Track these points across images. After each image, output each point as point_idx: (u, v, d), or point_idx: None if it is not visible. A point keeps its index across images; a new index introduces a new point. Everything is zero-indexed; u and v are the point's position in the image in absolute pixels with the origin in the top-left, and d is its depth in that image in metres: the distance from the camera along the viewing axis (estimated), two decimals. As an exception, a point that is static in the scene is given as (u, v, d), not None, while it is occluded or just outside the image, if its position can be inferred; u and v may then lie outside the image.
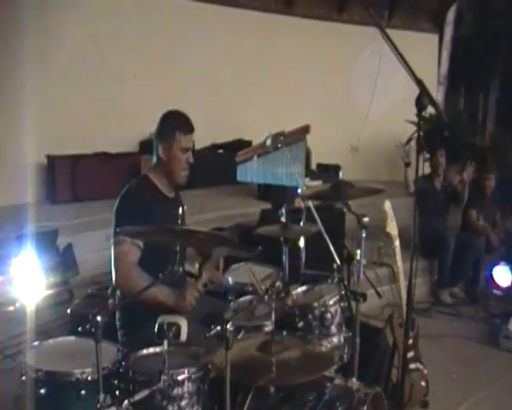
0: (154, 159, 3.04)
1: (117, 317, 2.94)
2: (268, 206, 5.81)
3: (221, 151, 8.23)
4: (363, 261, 3.04)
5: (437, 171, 6.31)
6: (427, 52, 11.11)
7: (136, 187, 3.00)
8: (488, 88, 16.04)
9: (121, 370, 2.24)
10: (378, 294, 4.11)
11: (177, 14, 8.18)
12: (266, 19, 9.11)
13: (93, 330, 1.98)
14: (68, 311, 3.80)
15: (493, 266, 5.88)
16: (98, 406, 1.98)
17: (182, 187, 3.11)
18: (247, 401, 2.43)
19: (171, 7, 8.15)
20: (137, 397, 2.07)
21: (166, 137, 2.95)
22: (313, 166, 8.49)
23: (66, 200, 6.76)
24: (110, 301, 3.08)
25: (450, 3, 12.09)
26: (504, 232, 6.43)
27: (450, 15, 13.10)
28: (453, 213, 6.38)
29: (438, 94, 12.39)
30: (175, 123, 2.97)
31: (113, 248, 2.83)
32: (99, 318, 1.97)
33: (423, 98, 2.36)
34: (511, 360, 4.67)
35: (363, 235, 3.02)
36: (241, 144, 7.62)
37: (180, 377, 2.17)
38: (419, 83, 2.37)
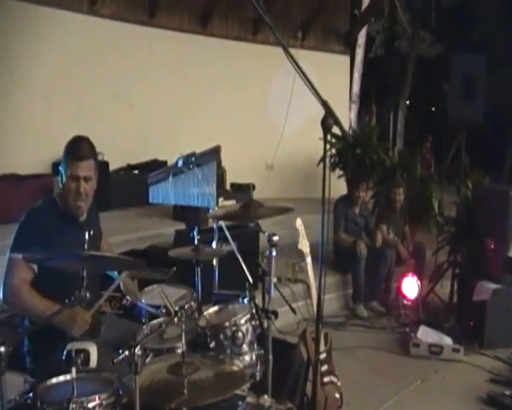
0: (60, 184, 3.00)
1: (25, 343, 2.87)
2: (183, 226, 5.82)
3: (136, 172, 8.16)
4: (274, 279, 3.11)
5: (357, 201, 6.54)
6: (340, 72, 11.47)
7: (39, 207, 2.95)
8: (397, 107, 16.81)
9: (29, 401, 2.17)
10: (292, 310, 4.19)
11: (91, 33, 8.08)
12: (182, 38, 9.16)
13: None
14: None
15: (403, 278, 6.10)
16: (4, 441, 1.94)
17: (76, 216, 3.02)
18: (160, 425, 2.43)
19: (85, 26, 8.05)
20: (45, 428, 2.03)
21: (62, 163, 2.92)
22: (228, 186, 8.57)
23: (-26, 223, 6.48)
24: (20, 329, 3.01)
25: (360, 27, 12.54)
26: (412, 245, 6.72)
27: (361, 38, 13.61)
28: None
29: (351, 112, 12.82)
30: (68, 149, 2.91)
31: (7, 263, 2.81)
32: (2, 348, 1.91)
33: (328, 119, 2.45)
34: (420, 367, 4.88)
35: (274, 253, 3.08)
36: (157, 165, 7.60)
37: (91, 405, 2.14)
38: (324, 104, 2.46)
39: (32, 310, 2.76)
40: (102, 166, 7.24)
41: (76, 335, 2.64)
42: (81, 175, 2.88)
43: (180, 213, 6.83)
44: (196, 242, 3.42)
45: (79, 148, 2.90)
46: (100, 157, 7.49)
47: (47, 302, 2.72)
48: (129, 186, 7.55)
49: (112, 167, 7.64)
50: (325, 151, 2.87)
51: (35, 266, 2.80)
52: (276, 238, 3.14)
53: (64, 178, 2.91)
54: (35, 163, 7.33)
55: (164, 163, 7.62)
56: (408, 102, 16.65)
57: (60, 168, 2.95)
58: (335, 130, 2.54)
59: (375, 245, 6.19)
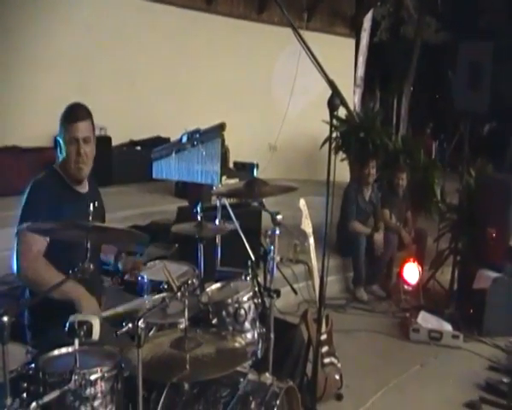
0: (60, 156, 2.98)
1: (25, 317, 2.86)
2: (185, 203, 5.80)
3: (139, 148, 8.11)
4: (277, 258, 3.08)
5: (367, 180, 6.41)
6: (345, 55, 11.39)
7: (43, 179, 2.93)
8: (401, 93, 16.71)
9: (31, 372, 2.15)
10: (294, 290, 4.19)
11: (95, 6, 7.99)
12: (186, 15, 9.05)
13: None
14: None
15: (404, 264, 6.09)
16: (5, 410, 1.92)
17: (80, 180, 3.00)
18: (162, 398, 2.42)
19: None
20: (47, 399, 2.00)
21: (60, 131, 2.91)
22: (231, 164, 8.51)
23: (-26, 195, 6.45)
24: (21, 300, 2.99)
25: (366, 11, 12.44)
26: (414, 231, 6.70)
27: (367, 22, 13.51)
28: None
29: (354, 96, 12.76)
30: (63, 115, 2.90)
31: (16, 239, 2.77)
32: (5, 318, 1.89)
33: (335, 99, 2.42)
34: (420, 352, 4.89)
35: (277, 232, 3.06)
36: (160, 141, 7.55)
37: (93, 377, 2.12)
38: (331, 84, 2.43)
39: (48, 283, 2.59)
40: (105, 141, 7.21)
41: (84, 311, 2.61)
42: (80, 136, 2.86)
43: (182, 190, 6.80)
44: (199, 218, 3.39)
45: (75, 110, 2.90)
46: (102, 132, 7.47)
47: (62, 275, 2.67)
48: (131, 162, 7.49)
49: (114, 143, 7.59)
50: (331, 131, 2.84)
51: (47, 237, 2.77)
52: (279, 217, 3.11)
53: (63, 145, 2.89)
54: (37, 136, 7.27)
55: (167, 140, 7.56)
56: (412, 89, 16.52)
57: (58, 138, 2.92)
58: (339, 113, 2.52)
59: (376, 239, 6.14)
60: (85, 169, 2.94)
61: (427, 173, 7.67)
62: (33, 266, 2.73)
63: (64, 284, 2.47)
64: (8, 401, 1.93)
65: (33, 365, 2.17)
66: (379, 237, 6.15)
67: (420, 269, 6.02)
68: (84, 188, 3.05)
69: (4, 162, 6.55)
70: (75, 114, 2.88)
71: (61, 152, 2.94)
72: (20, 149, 6.89)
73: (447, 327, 5.12)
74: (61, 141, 2.90)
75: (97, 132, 3.17)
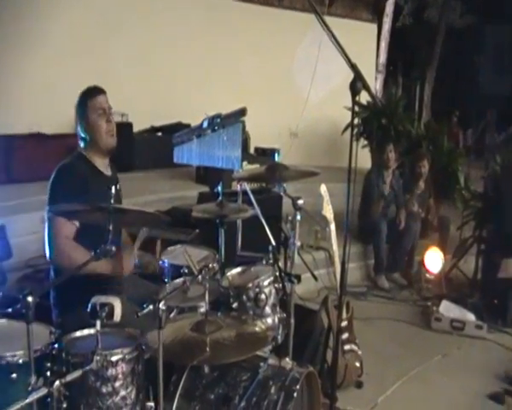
0: (81, 143, 3.04)
1: (51, 296, 2.91)
2: (206, 189, 5.80)
3: (160, 134, 8.13)
4: (298, 243, 3.07)
5: (387, 165, 6.37)
6: (366, 41, 11.27)
7: (71, 162, 2.99)
8: (424, 79, 16.49)
9: (54, 352, 2.18)
10: (314, 277, 4.16)
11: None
12: (207, 1, 9.01)
13: (24, 311, 1.94)
14: (0, 294, 3.69)
15: (426, 252, 6.02)
16: (29, 388, 1.94)
17: (113, 156, 3.10)
18: (182, 381, 2.44)
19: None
20: (69, 378, 2.02)
21: (81, 111, 2.97)
22: (251, 150, 8.48)
23: (0, 181, 6.52)
24: (46, 281, 3.03)
25: (388, -5, 12.27)
26: (437, 219, 6.61)
27: (389, 6, 13.30)
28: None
29: (376, 82, 12.61)
30: (82, 95, 3.00)
31: (47, 223, 2.82)
32: (30, 298, 1.93)
33: (357, 82, 2.40)
34: (441, 341, 4.84)
35: (298, 217, 3.04)
36: (180, 127, 7.54)
37: (114, 358, 2.15)
38: (353, 67, 2.40)
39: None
40: (126, 127, 7.25)
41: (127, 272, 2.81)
42: (106, 106, 2.97)
43: (203, 176, 6.81)
44: (221, 197, 3.39)
45: (92, 88, 3.03)
46: (124, 118, 7.50)
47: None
48: (152, 148, 7.53)
49: (135, 129, 7.62)
50: (353, 116, 2.81)
51: (76, 221, 2.82)
52: (300, 202, 3.10)
53: (88, 125, 2.95)
54: (59, 123, 7.29)
55: (187, 126, 7.55)
56: (435, 74, 16.26)
57: (78, 123, 3.00)
58: (360, 98, 2.49)
59: (399, 225, 6.08)
60: (115, 138, 3.03)
61: (450, 160, 7.57)
62: (62, 250, 2.80)
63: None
64: (33, 379, 1.96)
65: (57, 345, 2.19)
66: (402, 216, 6.10)
67: (442, 257, 5.93)
68: (108, 171, 3.12)
69: (30, 149, 6.63)
70: (94, 89, 3.01)
71: (83, 138, 2.99)
72: (44, 136, 6.95)
73: (470, 317, 5.04)
74: (84, 124, 2.96)
75: (119, 119, 3.20)
